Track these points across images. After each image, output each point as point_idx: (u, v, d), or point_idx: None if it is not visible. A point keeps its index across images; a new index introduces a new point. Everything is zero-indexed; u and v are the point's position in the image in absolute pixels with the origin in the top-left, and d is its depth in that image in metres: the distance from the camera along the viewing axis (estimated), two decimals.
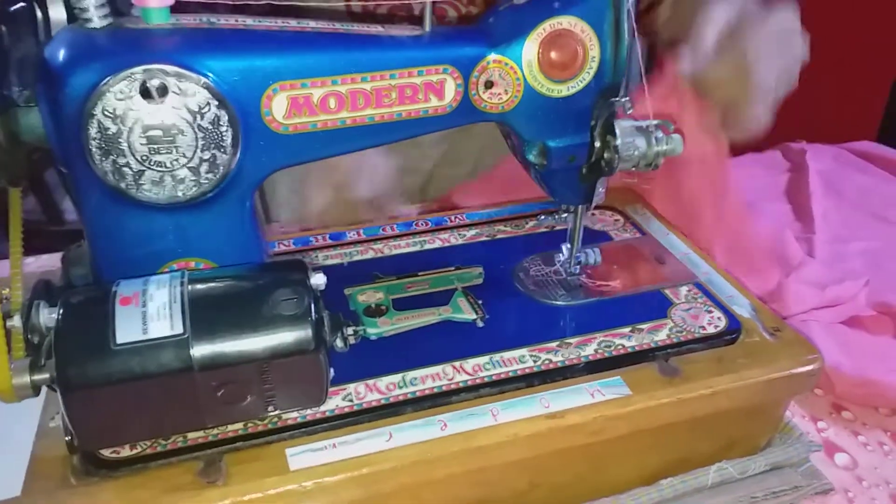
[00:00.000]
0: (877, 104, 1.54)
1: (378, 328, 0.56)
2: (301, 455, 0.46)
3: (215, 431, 0.47)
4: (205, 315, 0.41)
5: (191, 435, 0.47)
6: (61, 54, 0.41)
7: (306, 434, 0.48)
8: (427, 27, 0.48)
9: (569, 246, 0.58)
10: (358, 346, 0.54)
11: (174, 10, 0.44)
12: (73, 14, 0.43)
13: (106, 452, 0.46)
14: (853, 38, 1.46)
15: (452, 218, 0.70)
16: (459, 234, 0.68)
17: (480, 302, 0.58)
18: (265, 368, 0.42)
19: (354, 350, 0.54)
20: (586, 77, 0.48)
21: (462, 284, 0.61)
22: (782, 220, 0.81)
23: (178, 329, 0.40)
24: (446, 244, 0.66)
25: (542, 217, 0.59)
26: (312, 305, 0.43)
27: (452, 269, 0.63)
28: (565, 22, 0.47)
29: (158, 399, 0.41)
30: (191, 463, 0.46)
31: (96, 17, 0.42)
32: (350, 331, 0.54)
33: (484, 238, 0.67)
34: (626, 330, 0.56)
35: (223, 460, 0.46)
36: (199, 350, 0.40)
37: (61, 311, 0.40)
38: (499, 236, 0.68)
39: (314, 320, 0.42)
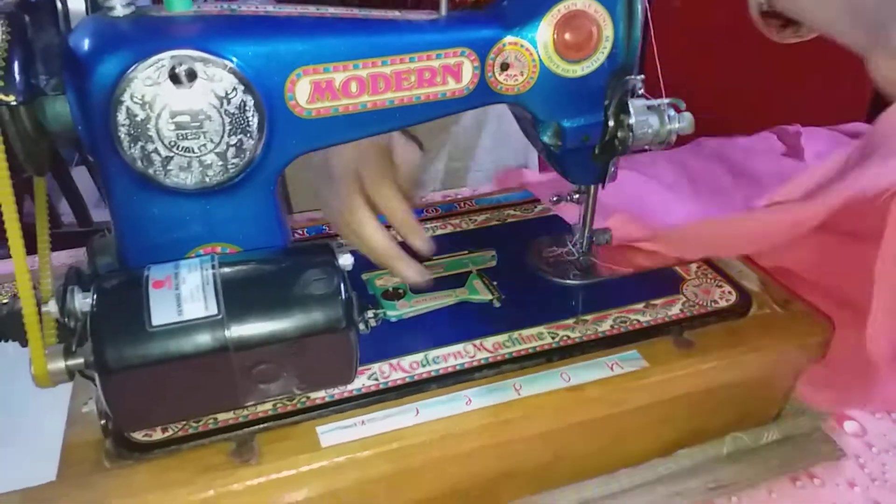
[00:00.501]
0: (866, 84, 1.56)
1: (397, 310, 0.57)
2: (332, 432, 0.47)
3: (245, 412, 0.48)
4: (238, 296, 0.42)
5: (221, 416, 0.48)
6: (87, 43, 0.41)
7: (335, 412, 0.48)
8: (443, 11, 0.49)
9: (580, 226, 0.60)
10: (379, 328, 0.56)
11: None
12: (94, 4, 0.44)
13: (138, 436, 0.47)
14: None
15: (462, 204, 0.71)
16: (470, 220, 0.69)
17: (495, 283, 0.59)
18: (298, 347, 0.43)
19: (375, 332, 0.55)
20: (600, 57, 0.49)
21: (476, 267, 0.62)
22: None
23: (213, 310, 0.41)
24: (458, 229, 0.67)
25: (555, 198, 0.60)
26: (342, 285, 0.43)
27: (466, 252, 0.64)
28: (579, 3, 0.48)
29: (195, 380, 0.42)
30: (223, 444, 0.46)
31: (119, 6, 0.42)
32: (370, 313, 0.56)
33: (494, 223, 0.69)
34: (640, 306, 0.57)
35: (255, 440, 0.47)
36: (235, 330, 0.41)
37: (95, 295, 0.41)
38: (509, 220, 0.69)
39: (344, 299, 0.43)
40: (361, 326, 0.54)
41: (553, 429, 0.50)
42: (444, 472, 0.49)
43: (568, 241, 0.62)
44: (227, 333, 0.41)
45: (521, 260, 0.63)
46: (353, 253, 0.47)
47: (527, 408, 0.49)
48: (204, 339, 0.41)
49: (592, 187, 0.57)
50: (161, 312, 0.41)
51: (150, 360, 0.40)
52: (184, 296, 0.41)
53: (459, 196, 0.72)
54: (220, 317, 0.41)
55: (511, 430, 0.49)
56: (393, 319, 0.56)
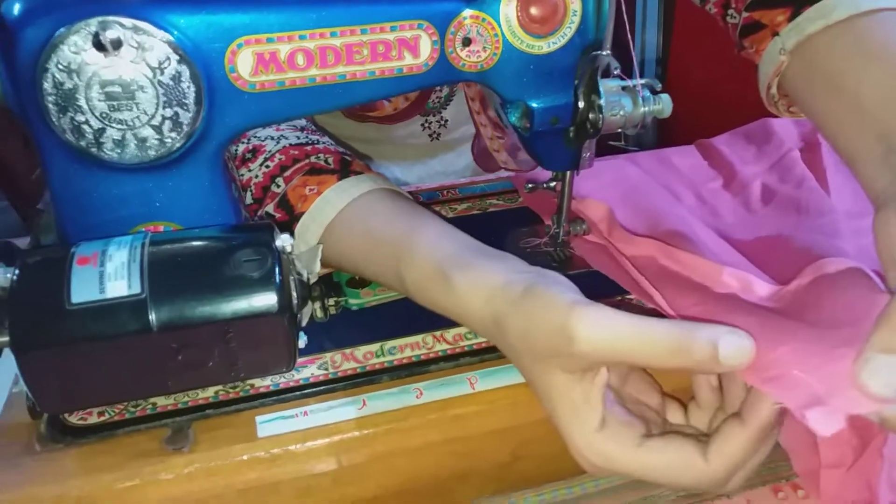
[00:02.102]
0: None
1: (360, 299, 0.55)
2: (270, 423, 0.45)
3: (185, 399, 0.46)
4: (165, 275, 0.40)
5: (160, 402, 0.46)
6: (16, 7, 0.40)
7: (279, 402, 0.46)
8: None
9: (556, 215, 0.56)
10: (339, 316, 0.53)
11: None
12: None
13: (73, 419, 0.45)
14: None
15: (445, 192, 0.68)
16: (451, 208, 0.66)
17: None
18: (227, 331, 0.40)
19: (335, 320, 0.53)
20: (567, 33, 0.46)
21: None
22: None
23: (136, 289, 0.39)
24: None
25: (530, 185, 0.57)
26: (277, 267, 0.41)
27: None
28: None
29: (117, 362, 0.40)
30: (159, 430, 0.45)
31: None
32: (331, 301, 0.53)
33: (475, 212, 0.66)
34: (617, 299, 0.54)
35: (191, 427, 0.45)
36: (158, 310, 0.39)
37: (17, 271, 0.39)
38: (490, 210, 0.66)
39: (278, 282, 0.41)
40: (320, 314, 0.52)
41: (509, 426, 0.47)
42: (392, 469, 0.47)
43: (546, 232, 0.59)
44: (150, 313, 0.39)
45: (500, 250, 0.60)
46: None
47: (480, 403, 0.47)
48: (125, 318, 0.39)
49: (568, 174, 0.54)
50: (81, 290, 0.39)
51: (68, 339, 0.38)
52: (108, 273, 0.39)
53: (444, 185, 0.69)
54: (143, 296, 0.39)
55: (462, 426, 0.46)
56: (354, 308, 0.54)
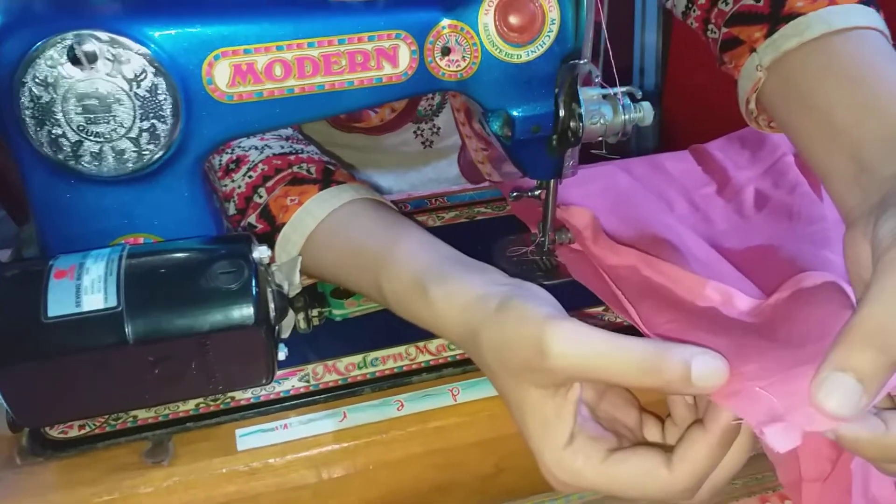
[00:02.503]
0: None
1: (344, 309, 0.54)
2: (250, 436, 0.45)
3: (166, 411, 0.46)
4: (141, 288, 0.40)
5: (141, 415, 0.46)
6: None
7: (259, 415, 0.46)
8: None
9: (541, 224, 0.56)
10: (322, 327, 0.53)
11: None
12: None
13: (54, 432, 0.45)
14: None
15: (433, 201, 0.68)
16: (438, 217, 0.66)
17: None
18: (204, 344, 0.40)
19: (319, 331, 0.53)
20: (546, 41, 0.46)
21: None
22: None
23: (112, 302, 0.39)
24: (424, 226, 0.65)
25: (514, 194, 0.57)
26: (253, 279, 0.41)
27: None
28: None
29: (94, 375, 0.40)
30: (139, 443, 0.45)
31: None
32: (315, 312, 0.53)
33: (463, 220, 0.66)
34: (601, 308, 0.53)
35: (171, 440, 0.45)
36: (134, 323, 0.39)
37: None
38: (478, 218, 0.66)
39: (254, 294, 0.41)
40: (303, 325, 0.52)
41: (491, 438, 0.47)
42: (374, 482, 0.46)
43: (532, 241, 0.59)
44: (126, 326, 0.39)
45: (485, 259, 0.60)
46: None
47: (461, 414, 0.46)
48: (101, 332, 0.39)
49: (552, 182, 0.54)
50: (58, 304, 0.39)
51: (44, 353, 0.38)
52: (84, 287, 0.39)
53: (432, 193, 0.69)
54: (119, 309, 0.39)
55: (444, 438, 0.46)
56: (338, 318, 0.54)
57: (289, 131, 0.60)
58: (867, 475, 0.41)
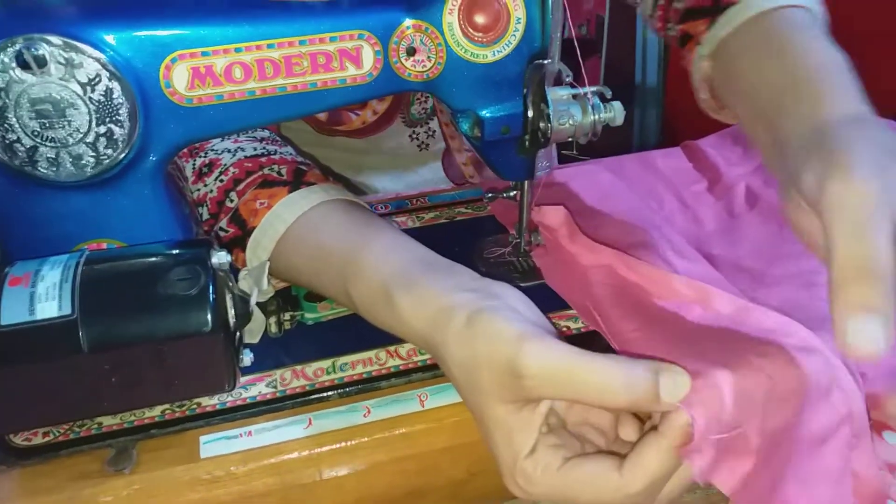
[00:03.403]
0: None
1: (317, 313, 0.54)
2: (213, 443, 0.44)
3: (131, 418, 0.45)
4: (96, 295, 0.39)
5: (106, 421, 0.45)
6: None
7: (225, 421, 0.46)
8: None
9: (517, 224, 0.55)
10: (293, 331, 0.53)
11: None
12: None
13: (17, 440, 0.45)
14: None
15: (414, 201, 0.68)
16: (418, 217, 0.65)
17: None
18: (161, 351, 0.40)
19: (289, 335, 0.52)
20: (512, 41, 0.45)
21: None
22: None
23: (67, 310, 0.39)
24: (403, 227, 0.64)
25: (489, 195, 0.56)
26: (211, 285, 0.40)
27: None
28: None
29: (50, 383, 0.40)
30: (102, 451, 0.44)
31: None
32: (287, 315, 0.53)
33: (443, 220, 0.65)
34: (573, 311, 0.52)
35: (135, 448, 0.44)
36: (89, 331, 0.39)
37: None
38: (458, 218, 0.65)
39: (212, 301, 0.40)
40: (274, 329, 0.51)
41: (461, 443, 0.46)
42: (341, 489, 0.46)
43: (509, 241, 0.58)
44: (81, 334, 0.38)
45: (463, 261, 0.59)
46: None
47: (428, 420, 0.46)
48: (54, 340, 0.38)
49: (526, 183, 0.53)
50: (11, 312, 0.38)
51: None
52: (38, 294, 0.39)
53: (413, 193, 0.68)
54: (73, 317, 0.39)
55: (411, 445, 0.45)
56: (310, 322, 0.53)
57: (265, 132, 0.60)
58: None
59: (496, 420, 0.39)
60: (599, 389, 0.36)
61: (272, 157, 0.55)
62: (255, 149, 0.56)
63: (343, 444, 0.44)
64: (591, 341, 0.48)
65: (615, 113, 0.47)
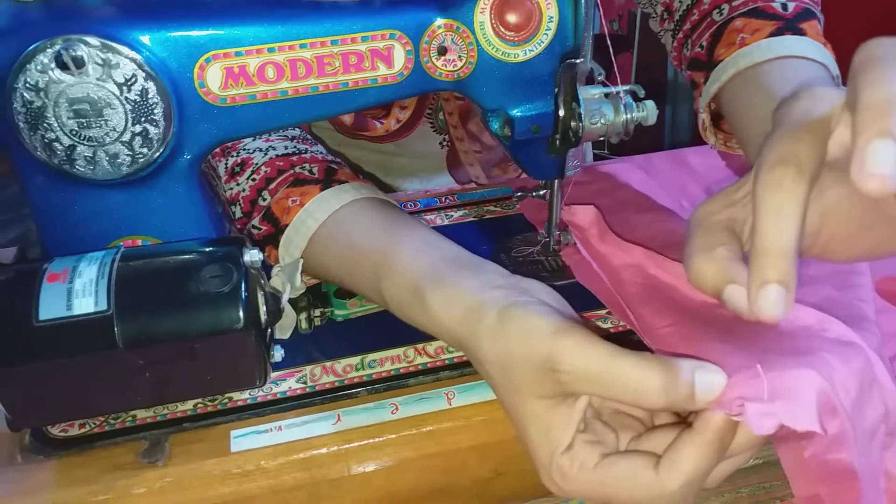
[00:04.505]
0: None
1: (346, 310, 0.54)
2: (244, 437, 0.45)
3: (164, 411, 0.46)
4: (132, 291, 0.40)
5: (140, 414, 0.46)
6: None
7: (255, 416, 0.46)
8: None
9: (547, 223, 0.55)
10: (323, 327, 0.53)
11: None
12: None
13: (55, 431, 0.46)
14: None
15: (443, 199, 0.68)
16: (447, 215, 0.65)
17: None
18: (194, 347, 0.41)
19: (319, 331, 0.53)
20: (544, 40, 0.45)
21: None
22: None
23: (103, 306, 0.39)
24: (432, 225, 0.64)
25: (518, 194, 0.56)
26: (243, 283, 0.41)
27: None
28: None
29: (86, 377, 0.40)
30: (136, 443, 0.45)
31: None
32: (317, 312, 0.53)
33: (471, 219, 0.65)
34: (604, 312, 0.52)
35: (168, 441, 0.45)
36: (124, 327, 0.39)
37: None
38: (487, 217, 0.65)
39: (244, 298, 0.41)
40: (304, 325, 0.52)
41: (488, 442, 0.46)
42: (369, 485, 0.46)
43: (538, 240, 0.58)
44: (116, 330, 0.39)
45: (491, 259, 0.59)
46: None
47: (456, 419, 0.46)
48: (91, 335, 0.39)
49: (556, 182, 0.53)
50: (49, 307, 0.39)
51: (35, 356, 0.39)
52: (76, 290, 0.40)
53: (441, 191, 0.68)
54: (109, 313, 0.39)
55: (438, 442, 0.46)
56: (339, 319, 0.54)
57: (296, 131, 0.60)
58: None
59: (532, 416, 0.39)
60: (636, 390, 0.36)
61: (303, 155, 0.56)
62: (286, 147, 0.57)
63: (371, 440, 0.45)
64: (621, 342, 0.48)
65: (648, 112, 0.47)
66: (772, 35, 0.53)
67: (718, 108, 0.57)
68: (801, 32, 0.53)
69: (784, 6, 0.55)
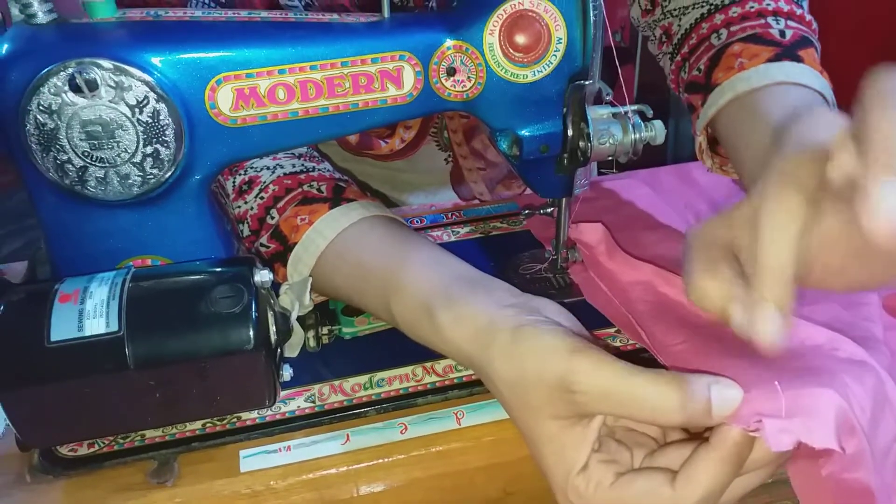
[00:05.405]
0: None
1: (354, 327, 0.54)
2: (253, 457, 0.45)
3: (173, 430, 0.46)
4: (143, 312, 0.40)
5: (149, 433, 0.46)
6: (3, 49, 0.41)
7: (264, 435, 0.46)
8: (385, 13, 0.46)
9: (554, 241, 0.55)
10: (331, 345, 0.53)
11: (124, 4, 0.43)
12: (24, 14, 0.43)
13: (63, 450, 0.46)
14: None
15: (449, 215, 0.68)
16: (453, 232, 0.65)
17: None
18: (204, 368, 0.41)
19: (327, 350, 0.53)
20: (553, 61, 0.45)
21: None
22: None
23: (114, 327, 0.40)
24: (438, 241, 0.64)
25: (526, 211, 0.56)
26: (253, 303, 0.41)
27: None
28: (527, 2, 0.44)
29: (97, 398, 0.40)
30: (145, 463, 0.45)
31: (41, 13, 0.42)
32: (325, 330, 0.53)
33: (478, 235, 0.65)
34: (613, 330, 0.52)
35: (177, 460, 0.45)
36: (135, 348, 0.39)
37: (1, 308, 0.40)
38: (493, 233, 0.65)
39: (254, 318, 0.41)
40: (312, 343, 0.52)
41: (497, 462, 0.46)
42: None
43: (545, 258, 0.58)
44: (127, 351, 0.39)
45: (498, 276, 0.59)
46: None
47: (465, 439, 0.46)
48: (102, 356, 0.39)
49: (563, 200, 0.53)
50: (61, 328, 0.39)
51: (46, 377, 0.39)
52: (87, 311, 0.40)
53: (448, 207, 0.69)
54: (120, 334, 0.39)
55: (447, 463, 0.46)
56: (347, 337, 0.54)
57: (303, 149, 0.61)
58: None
59: (547, 436, 0.39)
60: (654, 408, 0.37)
61: (311, 174, 0.56)
62: (293, 166, 0.57)
63: (380, 460, 0.45)
64: (631, 360, 0.48)
65: (656, 132, 0.47)
66: (770, 61, 0.53)
67: (715, 131, 0.57)
68: (799, 59, 0.53)
69: (782, 33, 0.55)
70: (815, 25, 0.58)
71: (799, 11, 0.58)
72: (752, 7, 0.57)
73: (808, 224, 0.34)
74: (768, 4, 0.57)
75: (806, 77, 0.52)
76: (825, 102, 0.52)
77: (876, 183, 0.28)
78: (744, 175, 0.51)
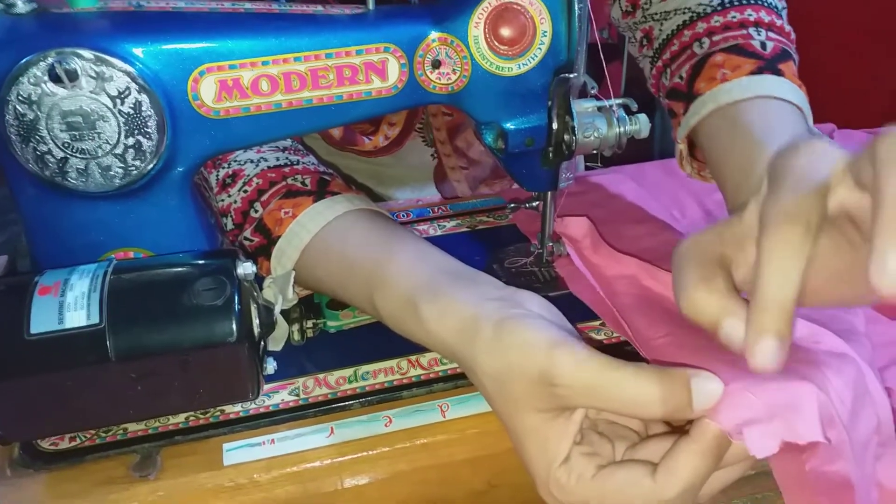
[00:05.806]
0: None
1: (339, 321, 0.54)
2: (237, 451, 0.45)
3: (156, 424, 0.46)
4: (124, 304, 0.40)
5: (131, 427, 0.46)
6: None
7: (248, 429, 0.46)
8: (371, 5, 0.46)
9: (540, 235, 0.55)
10: (316, 339, 0.53)
11: None
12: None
13: (45, 444, 0.45)
14: (879, 23, 1.36)
15: (435, 209, 0.68)
16: (439, 226, 0.65)
17: None
18: (187, 360, 0.40)
19: (312, 343, 0.52)
20: (538, 54, 0.45)
21: None
22: None
23: (95, 319, 0.39)
24: (424, 235, 0.64)
25: (512, 205, 0.56)
26: (236, 295, 0.41)
27: None
28: None
29: (78, 391, 0.40)
30: (128, 456, 0.45)
31: (20, 2, 0.41)
32: (309, 323, 0.53)
33: (464, 229, 0.65)
34: (597, 323, 0.52)
35: (160, 454, 0.45)
36: (116, 340, 0.39)
37: None
38: (479, 227, 0.65)
39: (237, 311, 0.41)
40: (297, 336, 0.52)
41: (482, 455, 0.46)
42: (362, 498, 0.46)
43: (530, 251, 0.58)
44: (108, 344, 0.39)
45: (484, 270, 0.59)
46: None
47: (450, 431, 0.46)
48: (83, 349, 0.39)
49: (549, 194, 0.53)
50: (41, 320, 0.39)
51: (26, 369, 0.39)
52: (67, 303, 0.40)
53: (434, 201, 0.69)
54: (101, 326, 0.39)
55: (432, 455, 0.46)
56: (332, 330, 0.54)
57: (287, 142, 0.60)
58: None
59: (529, 429, 0.39)
60: (635, 402, 0.37)
61: (295, 167, 0.56)
62: (277, 159, 0.57)
63: (364, 453, 0.45)
64: (615, 353, 0.48)
65: (640, 125, 0.47)
66: (752, 73, 0.53)
67: (695, 140, 0.57)
68: (780, 73, 0.53)
69: (763, 45, 0.55)
70: (793, 36, 0.59)
71: (779, 22, 0.58)
72: (734, 17, 0.57)
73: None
74: (750, 15, 0.57)
75: (786, 92, 0.52)
76: (804, 118, 0.52)
77: (887, 245, 0.28)
78: (724, 183, 0.52)
